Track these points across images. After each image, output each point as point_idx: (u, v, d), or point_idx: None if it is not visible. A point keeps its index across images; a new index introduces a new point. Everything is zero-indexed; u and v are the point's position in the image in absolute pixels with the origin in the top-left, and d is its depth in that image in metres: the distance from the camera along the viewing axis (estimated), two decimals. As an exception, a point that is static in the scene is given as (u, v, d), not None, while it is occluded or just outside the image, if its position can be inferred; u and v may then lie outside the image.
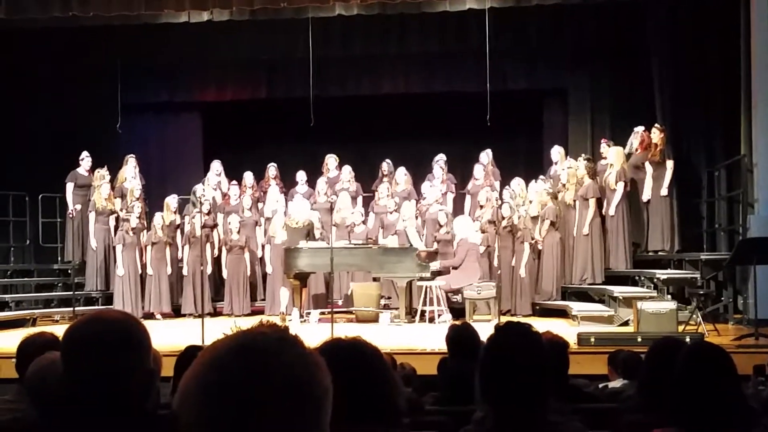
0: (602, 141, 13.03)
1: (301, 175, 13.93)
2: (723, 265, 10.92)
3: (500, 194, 12.97)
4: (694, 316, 9.76)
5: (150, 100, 15.31)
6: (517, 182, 13.07)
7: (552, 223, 12.35)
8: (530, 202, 12.70)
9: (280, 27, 13.52)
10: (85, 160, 13.57)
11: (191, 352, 4.55)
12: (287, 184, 14.04)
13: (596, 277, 12.15)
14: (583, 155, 12.73)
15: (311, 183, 13.90)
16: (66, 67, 14.05)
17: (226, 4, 12.34)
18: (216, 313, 13.07)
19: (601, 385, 5.52)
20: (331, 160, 13.95)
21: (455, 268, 11.93)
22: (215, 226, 13.37)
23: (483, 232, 12.47)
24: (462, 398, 4.21)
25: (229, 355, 1.23)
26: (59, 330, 2.66)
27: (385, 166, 13.80)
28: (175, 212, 13.27)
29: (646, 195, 12.29)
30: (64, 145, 13.97)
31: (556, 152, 13.27)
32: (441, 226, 12.50)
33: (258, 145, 15.47)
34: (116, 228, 13.20)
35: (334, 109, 14.04)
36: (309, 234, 12.32)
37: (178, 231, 13.30)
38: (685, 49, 12.82)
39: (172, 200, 13.26)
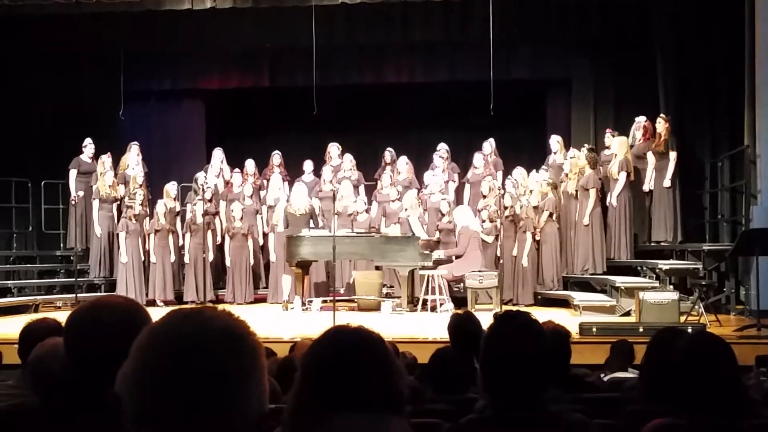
0: (607, 131, 13.02)
1: (308, 165, 13.92)
2: (725, 255, 10.91)
3: (502, 184, 12.95)
4: (696, 306, 9.76)
5: (153, 87, 15.33)
6: (519, 172, 13.05)
7: (551, 214, 12.34)
8: (531, 192, 12.69)
9: (284, 15, 13.47)
10: (88, 147, 13.57)
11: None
12: (290, 172, 14.04)
13: (597, 267, 12.14)
14: (585, 145, 12.71)
15: (315, 172, 13.91)
16: (69, 53, 14.03)
17: (229, -9, 12.33)
18: (218, 301, 13.08)
19: (603, 375, 5.52)
20: (333, 149, 13.94)
21: (459, 257, 11.94)
22: (217, 213, 13.38)
23: (491, 221, 12.44)
24: (453, 388, 4.22)
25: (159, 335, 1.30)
26: (62, 316, 2.66)
27: (388, 154, 13.80)
28: (174, 199, 13.27)
29: (648, 185, 12.29)
30: (67, 131, 13.97)
31: (555, 141, 13.27)
32: (443, 215, 12.51)
33: (260, 133, 15.47)
34: (119, 215, 13.20)
35: (337, 97, 14.04)
36: (311, 219, 12.32)
37: (178, 218, 13.31)
38: (689, 39, 12.80)
39: (171, 187, 13.26)
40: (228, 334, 1.29)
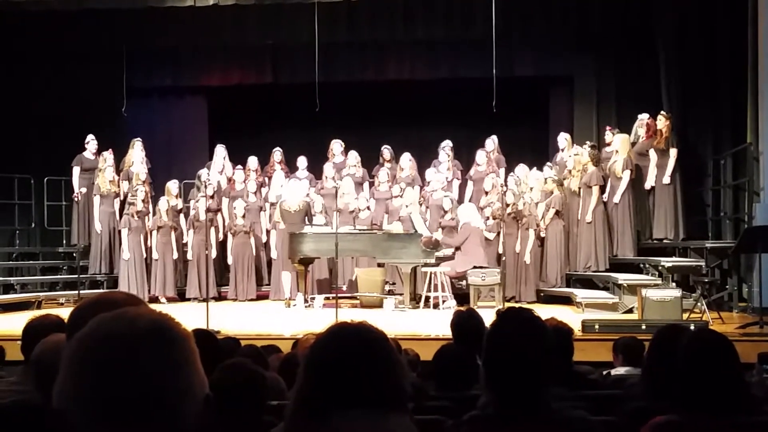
0: (606, 128, 13.01)
1: (302, 161, 13.91)
2: (728, 253, 10.90)
3: (505, 181, 12.94)
4: (699, 303, 9.75)
5: (155, 84, 15.33)
6: (521, 169, 13.04)
7: (557, 212, 12.33)
8: (531, 189, 12.69)
9: (286, 11, 13.45)
10: (91, 143, 13.57)
11: (198, 335, 4.54)
12: (292, 168, 14.04)
13: (600, 264, 12.13)
14: (587, 142, 12.70)
15: (316, 168, 13.90)
16: (72, 50, 14.01)
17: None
18: (221, 298, 13.09)
19: (605, 372, 5.53)
20: (336, 146, 13.94)
21: (457, 249, 11.93)
22: (219, 210, 13.38)
23: (494, 218, 12.44)
24: (456, 384, 4.23)
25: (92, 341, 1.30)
26: (64, 313, 2.66)
27: (386, 152, 13.80)
28: (177, 196, 13.28)
29: (649, 182, 12.27)
30: (69, 128, 13.95)
31: (563, 139, 13.26)
32: (446, 212, 12.50)
33: (263, 129, 15.45)
34: (121, 211, 13.21)
35: (339, 94, 14.01)
36: (307, 215, 12.30)
37: (182, 215, 13.33)
38: (692, 36, 12.77)
39: (173, 185, 13.27)
40: (157, 329, 1.32)
